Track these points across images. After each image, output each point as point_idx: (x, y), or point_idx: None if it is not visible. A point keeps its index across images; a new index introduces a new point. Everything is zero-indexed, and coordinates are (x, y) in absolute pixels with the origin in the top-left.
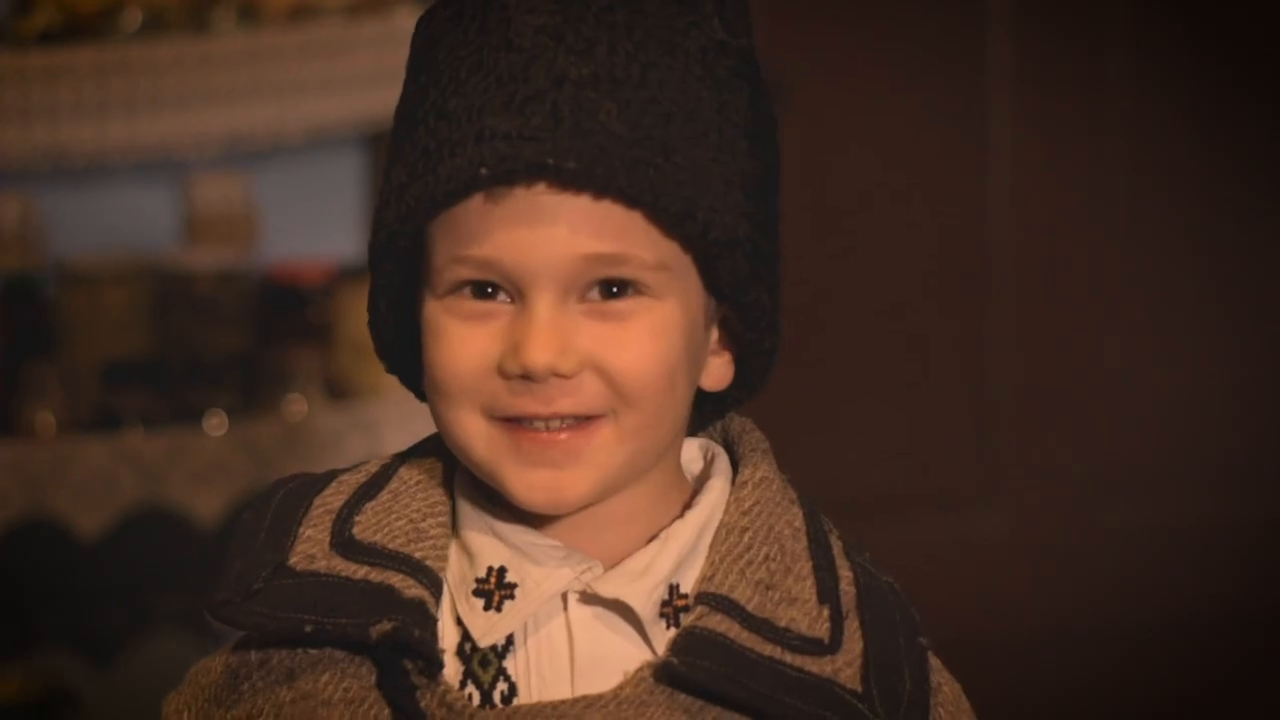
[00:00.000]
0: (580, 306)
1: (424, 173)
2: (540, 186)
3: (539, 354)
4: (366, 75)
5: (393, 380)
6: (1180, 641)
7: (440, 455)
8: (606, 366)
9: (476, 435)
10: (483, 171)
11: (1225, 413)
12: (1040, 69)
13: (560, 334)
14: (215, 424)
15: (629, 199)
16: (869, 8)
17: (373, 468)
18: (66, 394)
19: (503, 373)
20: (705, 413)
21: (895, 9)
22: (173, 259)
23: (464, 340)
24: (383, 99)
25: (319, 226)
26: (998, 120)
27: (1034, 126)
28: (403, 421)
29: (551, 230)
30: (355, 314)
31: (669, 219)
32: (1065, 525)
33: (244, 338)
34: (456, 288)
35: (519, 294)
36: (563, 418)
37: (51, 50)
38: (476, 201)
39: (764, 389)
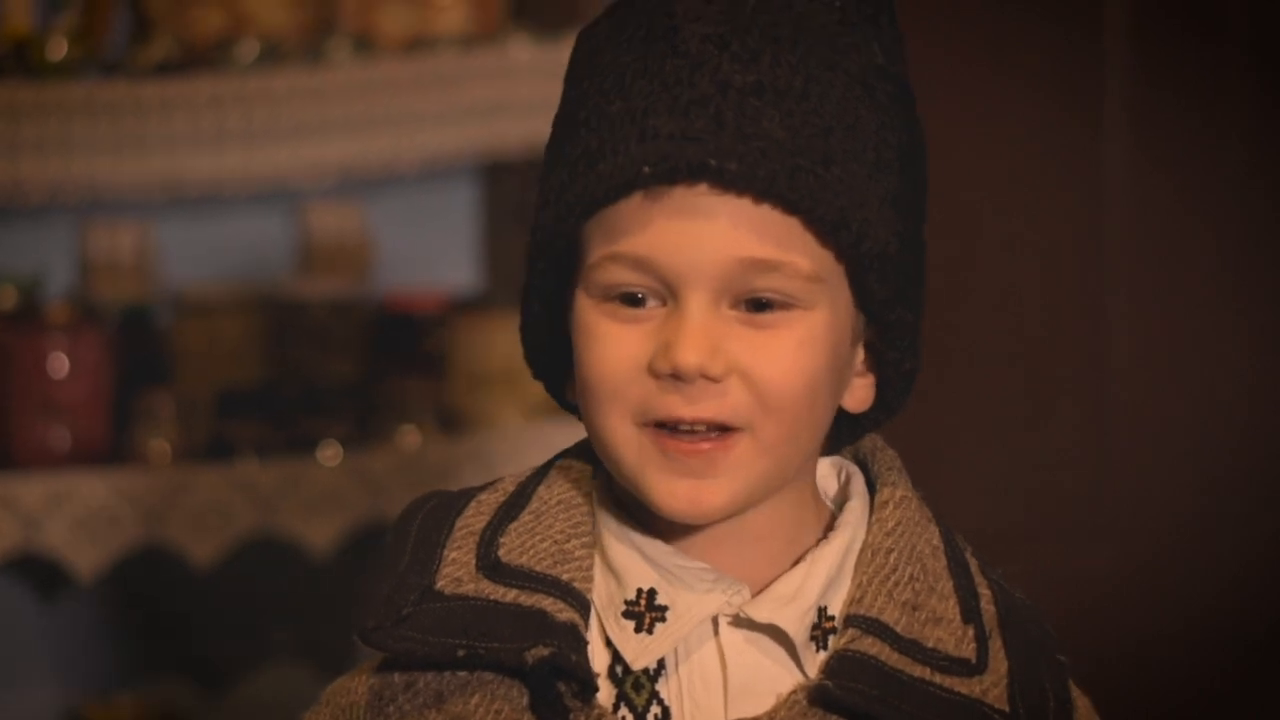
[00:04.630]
0: (731, 313)
1: (585, 171)
2: (701, 188)
3: (690, 354)
4: (481, 106)
5: (506, 412)
6: None
7: (576, 472)
8: (753, 375)
9: (626, 441)
10: (645, 170)
11: None
12: (1158, 78)
13: (711, 336)
14: (329, 454)
15: (787, 204)
16: (979, 20)
17: (509, 486)
18: (181, 423)
19: (653, 372)
20: (840, 434)
21: (1008, 20)
22: (288, 288)
23: (616, 340)
24: (498, 130)
25: (434, 257)
26: (1112, 142)
27: (1150, 151)
28: (516, 454)
29: (709, 230)
30: (470, 345)
31: (824, 227)
32: (1180, 555)
33: (358, 368)
34: (609, 294)
35: (671, 295)
36: (707, 424)
37: (168, 81)
38: (635, 200)
39: (900, 412)
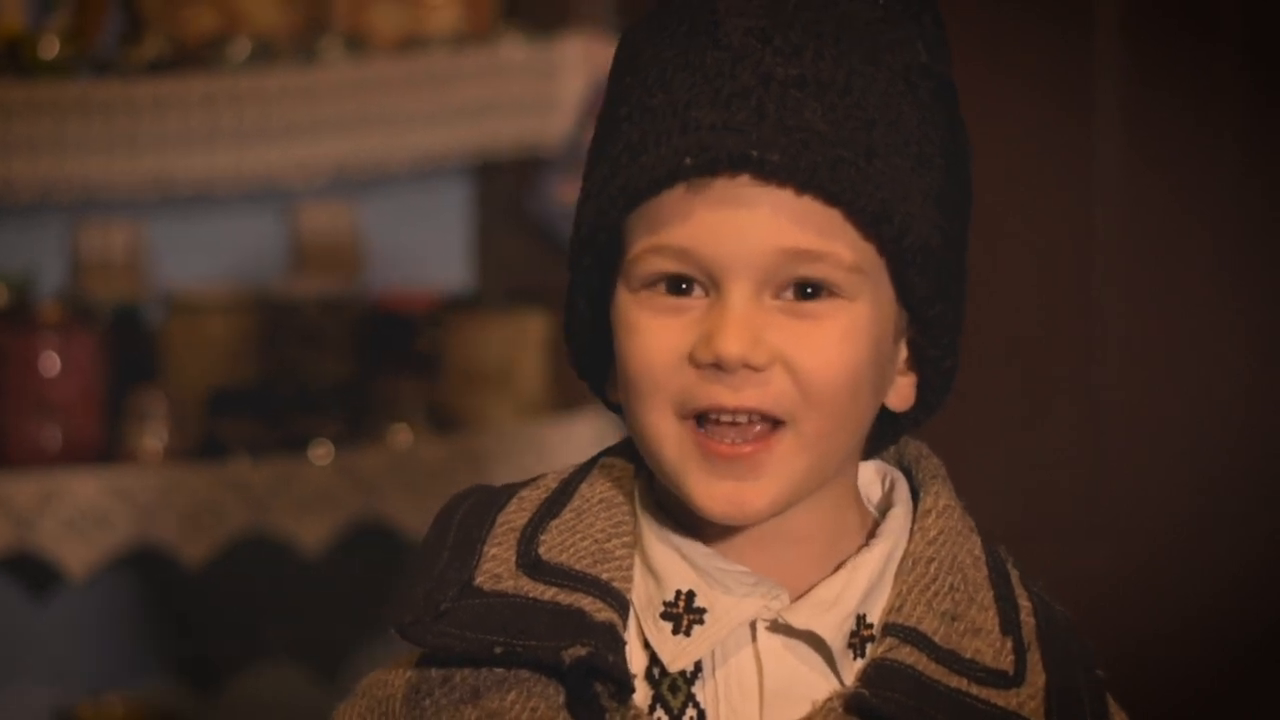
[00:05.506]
0: (774, 303)
1: (627, 164)
2: (743, 179)
3: (732, 343)
4: (473, 106)
5: (498, 411)
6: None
7: (619, 471)
8: (796, 365)
9: (668, 437)
10: (687, 161)
11: None
12: (1152, 77)
13: (753, 326)
14: (321, 453)
15: (829, 196)
16: (973, 19)
17: (551, 483)
18: (173, 422)
19: (694, 361)
20: (881, 435)
21: (1002, 19)
22: (279, 288)
23: (657, 332)
24: (489, 129)
25: (425, 256)
26: (1106, 141)
27: (1145, 150)
28: (507, 453)
29: (751, 221)
30: (461, 344)
31: (866, 219)
32: (1176, 555)
33: (350, 367)
34: (651, 282)
35: (714, 285)
36: (750, 413)
37: (160, 80)
38: (678, 192)
39: (940, 411)
